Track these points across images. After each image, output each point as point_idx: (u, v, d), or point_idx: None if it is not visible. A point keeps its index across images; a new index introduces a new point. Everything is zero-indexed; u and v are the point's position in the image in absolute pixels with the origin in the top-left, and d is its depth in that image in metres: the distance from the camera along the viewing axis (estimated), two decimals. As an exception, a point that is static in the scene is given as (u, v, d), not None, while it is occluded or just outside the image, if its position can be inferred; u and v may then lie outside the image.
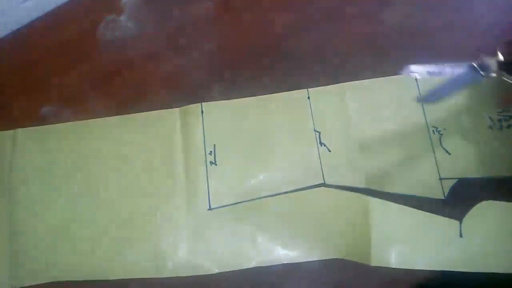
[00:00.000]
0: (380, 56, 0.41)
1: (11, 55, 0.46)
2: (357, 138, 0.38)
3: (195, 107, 0.40)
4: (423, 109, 0.38)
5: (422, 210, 0.36)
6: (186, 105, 0.41)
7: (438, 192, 0.36)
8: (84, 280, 0.37)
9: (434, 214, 0.35)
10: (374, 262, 0.35)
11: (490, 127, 0.37)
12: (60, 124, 0.42)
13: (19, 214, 0.39)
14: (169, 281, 0.37)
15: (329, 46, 0.42)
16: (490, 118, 0.38)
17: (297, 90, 0.40)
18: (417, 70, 0.40)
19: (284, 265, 0.36)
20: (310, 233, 0.37)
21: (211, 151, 0.39)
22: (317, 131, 0.39)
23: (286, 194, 0.37)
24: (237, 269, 0.37)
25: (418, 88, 0.39)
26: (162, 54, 0.44)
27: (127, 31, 0.45)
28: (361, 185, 0.37)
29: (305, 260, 0.36)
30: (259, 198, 0.38)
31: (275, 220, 0.37)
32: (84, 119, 0.42)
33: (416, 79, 0.39)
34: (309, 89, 0.40)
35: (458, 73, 0.38)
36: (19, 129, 0.42)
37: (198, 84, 0.42)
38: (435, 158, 0.37)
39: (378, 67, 0.40)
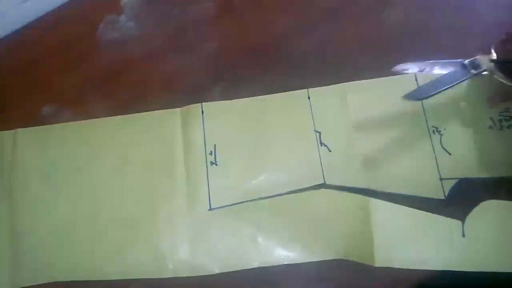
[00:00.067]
0: (380, 56, 0.41)
1: (11, 55, 0.46)
2: (357, 138, 0.38)
3: (195, 107, 0.40)
4: (423, 109, 0.38)
5: (423, 210, 0.36)
6: (186, 105, 0.41)
7: (438, 192, 0.36)
8: (84, 281, 0.37)
9: (436, 215, 0.35)
10: (378, 263, 0.35)
11: (491, 127, 0.38)
12: (61, 124, 0.42)
13: (19, 214, 0.39)
14: (170, 282, 0.37)
15: (329, 46, 0.42)
16: (490, 118, 0.38)
17: (297, 90, 0.40)
18: (409, 68, 0.40)
19: (285, 265, 0.36)
20: (311, 234, 0.37)
21: (211, 151, 0.39)
22: (318, 131, 0.39)
23: (287, 195, 0.37)
24: (237, 269, 0.36)
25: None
26: (162, 54, 0.44)
27: (127, 31, 0.45)
28: (362, 185, 0.37)
29: (306, 261, 0.36)
30: (260, 198, 0.38)
31: (276, 221, 0.37)
32: (84, 119, 0.42)
33: (416, 79, 0.39)
34: (309, 89, 0.40)
35: (449, 71, 0.38)
36: (19, 129, 0.42)
37: (198, 84, 0.42)
38: (436, 158, 0.37)
39: (378, 67, 0.40)
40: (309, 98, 0.40)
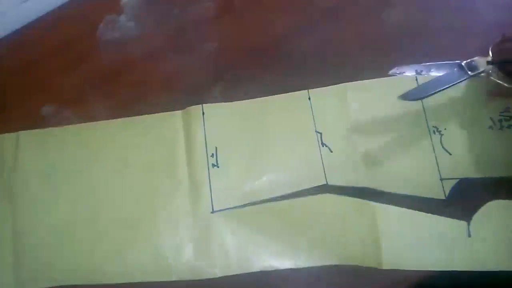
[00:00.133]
0: (380, 56, 0.41)
1: (11, 55, 0.46)
2: (358, 139, 0.38)
3: (196, 109, 0.40)
4: (424, 110, 0.38)
5: (423, 211, 0.36)
6: (186, 105, 0.41)
7: (439, 192, 0.36)
8: (86, 284, 0.37)
9: (441, 216, 0.35)
10: (385, 266, 0.35)
11: (491, 127, 0.37)
12: (62, 127, 0.41)
13: (21, 216, 0.39)
14: (172, 285, 0.37)
15: (329, 46, 0.42)
16: (490, 118, 0.38)
17: (297, 92, 0.40)
18: (405, 71, 0.40)
19: (287, 269, 0.36)
20: (314, 239, 0.36)
21: (213, 154, 0.39)
22: (319, 132, 0.39)
23: (290, 200, 0.37)
24: (239, 273, 0.36)
25: (419, 89, 0.39)
26: (162, 54, 0.44)
27: (127, 31, 0.45)
28: (364, 185, 0.37)
29: (309, 266, 0.36)
30: (262, 200, 0.38)
31: (279, 225, 0.37)
32: (84, 119, 0.42)
33: (416, 80, 0.39)
34: (310, 90, 0.40)
35: (445, 72, 0.38)
36: (21, 132, 0.41)
37: (198, 84, 0.42)
38: (436, 158, 0.37)
39: (378, 67, 0.40)
40: (309, 99, 0.40)
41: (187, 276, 0.36)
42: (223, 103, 0.41)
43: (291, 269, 0.36)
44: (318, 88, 0.40)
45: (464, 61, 0.37)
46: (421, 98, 0.37)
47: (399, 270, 0.35)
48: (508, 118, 0.38)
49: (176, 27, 0.45)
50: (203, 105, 0.40)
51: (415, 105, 0.39)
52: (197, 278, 0.36)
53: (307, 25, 0.44)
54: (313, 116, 0.39)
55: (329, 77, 0.40)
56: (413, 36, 0.42)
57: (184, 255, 0.37)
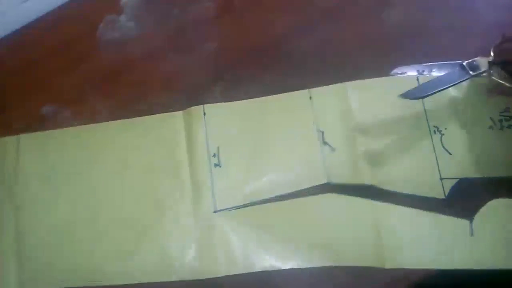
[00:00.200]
0: (380, 56, 0.41)
1: (11, 55, 0.46)
2: (360, 137, 0.38)
3: (197, 109, 0.40)
4: (425, 109, 0.38)
5: (423, 210, 0.36)
6: (186, 105, 0.41)
7: (438, 192, 0.36)
8: (86, 286, 0.37)
9: (444, 215, 0.35)
10: (388, 265, 0.35)
11: (491, 127, 0.37)
12: (62, 129, 0.41)
13: (23, 218, 0.39)
14: (173, 285, 0.36)
15: (329, 46, 0.42)
16: (491, 118, 0.38)
17: (298, 91, 0.40)
18: (407, 71, 0.40)
19: (290, 269, 0.36)
20: (316, 238, 0.36)
21: (214, 154, 0.39)
22: (320, 131, 0.39)
23: (293, 199, 0.37)
24: (243, 272, 0.36)
25: (419, 88, 0.39)
26: (162, 54, 0.44)
27: (127, 31, 0.45)
28: (365, 183, 0.37)
29: (312, 266, 0.36)
30: (265, 200, 0.37)
31: (282, 224, 0.37)
32: (84, 119, 0.42)
33: (417, 79, 0.39)
34: (311, 89, 0.40)
35: (447, 71, 0.38)
36: (22, 135, 0.41)
37: (199, 84, 0.42)
38: (436, 158, 0.37)
39: (378, 67, 0.40)
40: (310, 98, 0.40)
41: (189, 276, 0.36)
42: (224, 103, 0.41)
43: (292, 269, 0.36)
44: (319, 87, 0.40)
45: (466, 61, 0.37)
46: (422, 97, 0.37)
47: (399, 269, 0.35)
48: (508, 118, 0.38)
49: (176, 27, 0.45)
50: (204, 105, 0.40)
51: (416, 105, 0.39)
52: (199, 278, 0.36)
53: (307, 25, 0.44)
54: (314, 115, 0.39)
55: (329, 77, 0.40)
56: (413, 36, 0.42)
57: (187, 255, 0.37)
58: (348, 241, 0.36)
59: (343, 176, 0.37)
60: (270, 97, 0.40)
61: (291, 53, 0.43)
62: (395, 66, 0.40)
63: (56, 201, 0.39)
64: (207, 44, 0.44)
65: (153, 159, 0.40)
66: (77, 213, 0.39)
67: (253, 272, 0.36)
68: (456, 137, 0.38)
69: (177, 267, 0.37)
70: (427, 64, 0.40)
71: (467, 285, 0.35)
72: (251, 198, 0.38)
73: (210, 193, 0.38)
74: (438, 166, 0.37)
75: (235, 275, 0.36)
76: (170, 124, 0.40)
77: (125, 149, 0.40)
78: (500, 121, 0.38)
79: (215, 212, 0.38)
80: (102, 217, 0.38)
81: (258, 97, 0.41)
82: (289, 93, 0.40)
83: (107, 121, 0.41)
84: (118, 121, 0.41)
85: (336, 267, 0.35)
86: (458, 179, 0.36)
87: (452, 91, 0.38)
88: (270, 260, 0.36)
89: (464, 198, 0.36)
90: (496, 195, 0.36)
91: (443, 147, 0.38)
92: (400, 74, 0.40)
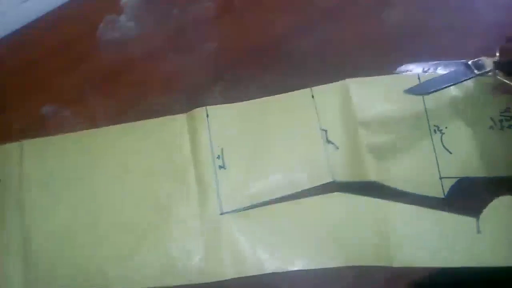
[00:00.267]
0: (380, 56, 0.41)
1: (11, 55, 0.46)
2: (363, 134, 0.38)
3: (199, 111, 0.40)
4: (425, 108, 0.38)
5: (428, 208, 0.36)
6: (186, 105, 0.41)
7: (438, 191, 0.36)
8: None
9: (449, 213, 0.36)
10: (396, 264, 0.35)
11: (491, 127, 0.38)
12: (64, 135, 0.41)
13: (29, 226, 0.39)
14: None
15: (329, 46, 0.42)
16: (491, 118, 0.38)
17: (300, 90, 0.40)
18: (412, 69, 0.40)
19: (298, 271, 0.36)
20: (325, 239, 0.36)
21: (219, 155, 0.39)
22: (324, 130, 0.39)
23: (299, 199, 0.37)
24: (251, 274, 0.36)
25: (421, 87, 0.39)
26: (162, 54, 0.44)
27: (127, 31, 0.45)
28: (371, 179, 0.37)
29: (320, 267, 0.36)
30: (271, 201, 0.37)
31: (289, 225, 0.37)
32: (84, 119, 0.42)
33: (419, 78, 0.39)
34: (313, 88, 0.40)
35: (452, 70, 0.38)
36: (25, 141, 0.41)
37: (198, 84, 0.42)
38: (436, 157, 0.37)
39: (378, 67, 0.40)
40: (313, 96, 0.40)
41: (197, 279, 0.36)
42: (227, 104, 0.40)
43: (302, 270, 0.36)
44: (321, 86, 0.40)
45: (471, 60, 0.37)
46: (426, 94, 0.37)
47: (400, 267, 0.35)
48: (509, 118, 0.38)
49: (176, 27, 0.45)
50: (207, 107, 0.40)
51: (417, 104, 0.39)
52: (207, 281, 0.36)
53: (307, 25, 0.44)
54: (317, 113, 0.39)
55: (329, 77, 0.40)
56: (413, 36, 0.42)
57: (193, 258, 0.36)
58: (356, 241, 0.36)
59: (348, 174, 0.37)
60: (273, 97, 0.40)
61: (291, 53, 0.43)
62: (395, 66, 0.40)
63: (58, 207, 0.39)
64: (207, 44, 0.44)
65: (158, 162, 0.39)
66: (78, 218, 0.38)
67: (262, 274, 0.36)
68: (456, 137, 0.38)
69: (183, 270, 0.36)
70: (433, 62, 0.40)
71: (467, 282, 0.35)
72: (257, 199, 0.38)
73: (215, 195, 0.38)
74: (438, 165, 0.37)
75: (241, 277, 0.36)
76: (173, 127, 0.40)
77: (126, 153, 0.40)
78: (501, 121, 0.38)
79: (221, 214, 0.37)
80: (103, 221, 0.38)
81: (258, 97, 0.40)
82: (291, 92, 0.40)
83: (107, 121, 0.41)
84: (119, 125, 0.41)
85: (337, 268, 0.35)
86: (458, 179, 0.37)
87: (453, 91, 0.38)
88: (278, 261, 0.36)
89: (464, 198, 0.36)
90: (496, 194, 0.36)
91: (443, 146, 0.37)
92: (405, 71, 0.40)
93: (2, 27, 0.46)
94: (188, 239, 0.37)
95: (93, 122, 0.42)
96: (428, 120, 0.38)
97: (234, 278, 0.36)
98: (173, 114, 0.41)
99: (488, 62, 0.36)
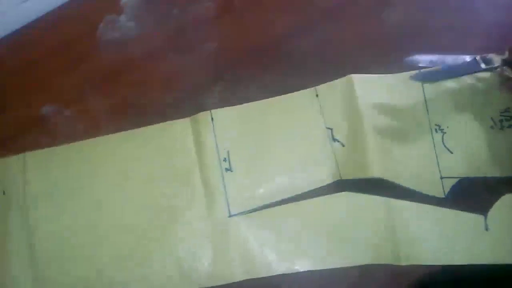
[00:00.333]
0: (380, 56, 0.41)
1: (11, 55, 0.46)
2: (368, 131, 0.38)
3: (204, 115, 0.40)
4: (427, 108, 0.38)
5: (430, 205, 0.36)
6: (186, 105, 0.41)
7: (438, 191, 0.36)
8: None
9: (457, 211, 0.36)
10: (404, 262, 0.35)
11: (492, 127, 0.38)
12: (65, 145, 0.41)
13: (33, 236, 0.39)
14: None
15: (329, 46, 0.42)
16: (491, 118, 0.38)
17: (304, 90, 0.40)
18: (420, 60, 0.39)
19: (306, 271, 0.36)
20: (332, 239, 0.36)
21: (225, 158, 0.39)
22: (329, 128, 0.39)
23: (306, 200, 0.37)
24: (260, 276, 0.36)
25: (423, 88, 0.39)
26: (162, 54, 0.44)
27: (127, 31, 0.45)
28: (377, 176, 0.37)
29: (329, 268, 0.36)
30: (278, 202, 0.37)
31: (297, 226, 0.37)
32: (84, 119, 0.42)
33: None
34: (317, 87, 0.40)
35: (460, 63, 0.38)
36: (27, 153, 0.41)
37: (199, 84, 0.42)
38: (437, 156, 0.37)
39: (378, 67, 0.40)
40: (317, 95, 0.40)
41: (206, 283, 0.36)
42: (231, 107, 0.40)
43: (311, 271, 0.36)
44: (324, 84, 0.40)
45: (479, 56, 0.37)
46: (430, 81, 0.37)
47: (400, 266, 0.35)
48: (509, 118, 0.38)
49: (176, 27, 0.45)
50: (212, 110, 0.40)
51: (418, 104, 0.38)
52: (216, 284, 0.36)
53: (307, 25, 0.44)
54: (322, 112, 0.39)
55: (329, 77, 0.40)
56: (413, 36, 0.42)
57: (201, 261, 0.36)
58: (363, 240, 0.36)
59: (355, 172, 0.37)
60: (276, 98, 0.40)
61: (291, 53, 0.43)
62: (395, 66, 0.40)
63: (62, 217, 0.39)
64: (207, 44, 0.44)
65: (163, 167, 0.39)
66: (81, 227, 0.38)
67: (271, 276, 0.36)
68: (457, 136, 0.38)
69: (194, 274, 0.36)
70: (441, 55, 0.39)
71: (467, 280, 0.35)
72: (265, 201, 0.38)
73: (223, 198, 0.38)
74: (439, 165, 0.37)
75: (248, 279, 0.36)
76: (171, 132, 0.40)
77: (126, 160, 0.40)
78: (501, 121, 0.38)
79: (229, 216, 0.37)
80: (104, 226, 0.38)
81: (258, 97, 0.41)
82: (295, 92, 0.40)
83: (107, 121, 0.41)
84: (119, 133, 0.41)
85: (338, 268, 0.35)
86: (458, 179, 0.37)
87: (455, 90, 0.38)
88: (287, 262, 0.36)
89: (464, 198, 0.36)
90: (496, 195, 0.36)
91: (444, 145, 0.37)
92: (413, 63, 0.39)
93: (2, 27, 0.46)
94: (195, 243, 0.37)
95: (93, 122, 0.42)
96: (429, 119, 0.38)
97: (243, 280, 0.36)
98: (173, 113, 0.41)
99: (496, 59, 0.37)
